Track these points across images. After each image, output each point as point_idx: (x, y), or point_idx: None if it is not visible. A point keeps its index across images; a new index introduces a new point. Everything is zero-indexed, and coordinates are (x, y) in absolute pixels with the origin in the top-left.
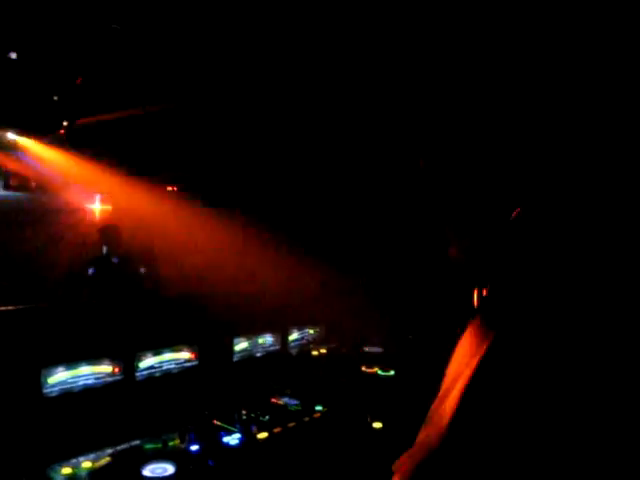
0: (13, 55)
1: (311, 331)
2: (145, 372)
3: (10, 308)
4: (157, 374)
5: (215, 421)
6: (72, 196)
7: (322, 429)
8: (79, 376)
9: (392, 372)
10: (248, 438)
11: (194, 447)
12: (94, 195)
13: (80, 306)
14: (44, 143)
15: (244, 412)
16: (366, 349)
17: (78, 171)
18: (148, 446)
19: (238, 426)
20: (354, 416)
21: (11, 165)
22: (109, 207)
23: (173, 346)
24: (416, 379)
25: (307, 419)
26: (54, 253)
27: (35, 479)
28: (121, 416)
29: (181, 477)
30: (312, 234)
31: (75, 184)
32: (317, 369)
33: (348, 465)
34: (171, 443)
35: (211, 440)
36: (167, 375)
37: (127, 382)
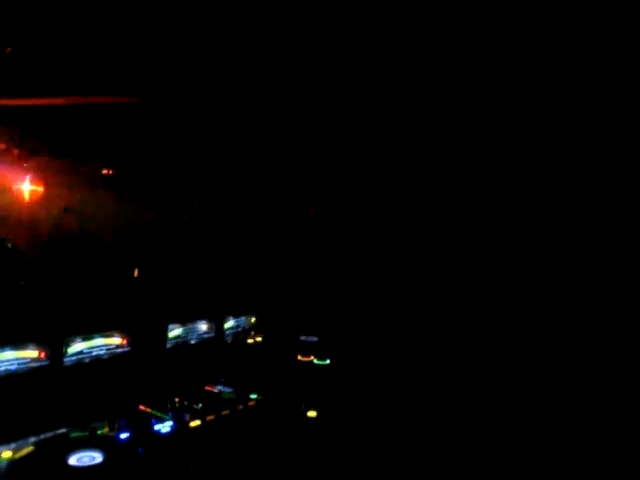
0: None
1: (247, 319)
2: (74, 358)
3: None
4: (86, 360)
5: (147, 409)
6: None
7: (256, 417)
8: (1, 361)
9: (328, 361)
10: (180, 426)
11: (124, 435)
12: (24, 176)
13: (4, 287)
14: None
15: (177, 400)
16: (302, 338)
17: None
18: (75, 434)
19: (170, 414)
20: (289, 404)
21: None
22: (40, 188)
23: (104, 331)
24: (351, 368)
25: (241, 407)
26: None
27: None
28: (47, 403)
29: (109, 466)
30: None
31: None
32: (252, 357)
33: (282, 453)
34: (99, 431)
35: (142, 428)
36: (97, 361)
37: (54, 368)
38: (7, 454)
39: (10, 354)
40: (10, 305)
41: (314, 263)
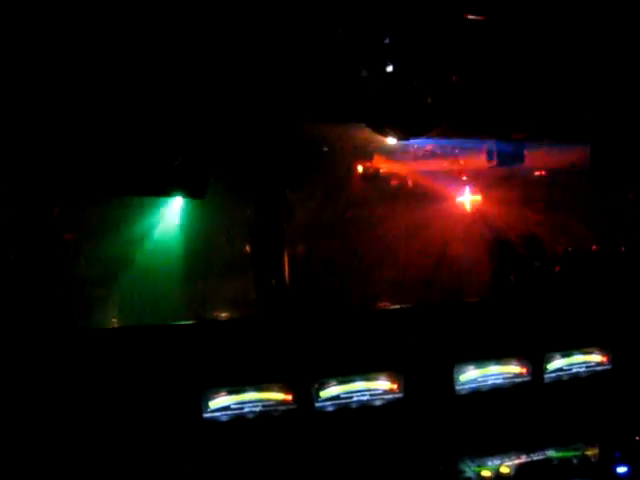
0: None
1: None
2: (553, 374)
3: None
4: (565, 377)
5: None
6: (439, 185)
7: None
8: (488, 375)
9: None
10: None
11: (621, 469)
12: (463, 186)
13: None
14: None
15: None
16: None
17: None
18: (554, 454)
19: None
20: None
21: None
22: (478, 198)
23: (582, 348)
24: None
25: None
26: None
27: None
28: (526, 418)
29: None
30: None
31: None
32: None
33: None
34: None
35: None
36: (575, 379)
37: (534, 384)
38: (505, 469)
39: (496, 369)
40: (493, 320)
41: None
